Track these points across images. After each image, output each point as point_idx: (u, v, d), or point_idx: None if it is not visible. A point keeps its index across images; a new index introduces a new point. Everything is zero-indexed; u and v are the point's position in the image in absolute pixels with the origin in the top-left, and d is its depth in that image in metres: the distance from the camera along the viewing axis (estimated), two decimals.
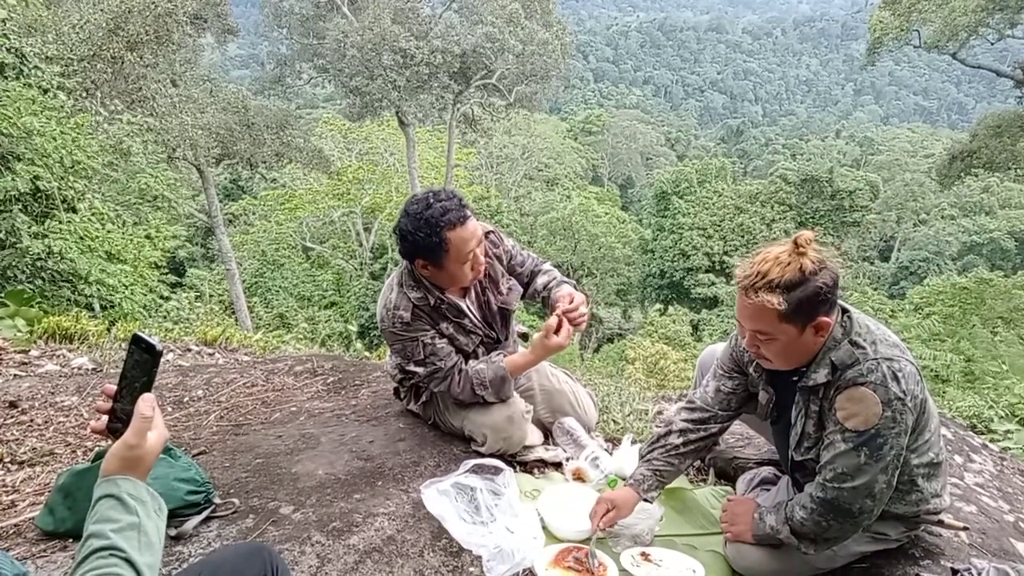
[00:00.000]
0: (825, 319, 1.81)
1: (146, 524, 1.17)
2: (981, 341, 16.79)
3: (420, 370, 2.54)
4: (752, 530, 2.06)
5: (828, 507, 1.86)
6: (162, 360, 1.31)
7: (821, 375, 1.87)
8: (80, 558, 1.11)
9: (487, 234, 2.60)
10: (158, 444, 1.26)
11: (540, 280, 2.74)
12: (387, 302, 2.48)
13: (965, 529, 2.14)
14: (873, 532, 2.02)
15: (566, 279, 2.73)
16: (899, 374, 1.77)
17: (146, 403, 1.25)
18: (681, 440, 2.23)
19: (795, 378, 1.97)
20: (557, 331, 2.45)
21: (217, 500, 2.18)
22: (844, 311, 1.90)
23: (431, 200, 2.32)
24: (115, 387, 1.29)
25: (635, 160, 56.01)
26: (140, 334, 1.29)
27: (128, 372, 1.28)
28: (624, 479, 2.62)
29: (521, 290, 2.73)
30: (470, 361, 2.58)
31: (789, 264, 1.77)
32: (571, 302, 2.52)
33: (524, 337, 2.94)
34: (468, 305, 2.59)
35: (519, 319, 2.87)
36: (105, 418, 1.29)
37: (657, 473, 2.22)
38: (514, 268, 2.74)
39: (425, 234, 2.29)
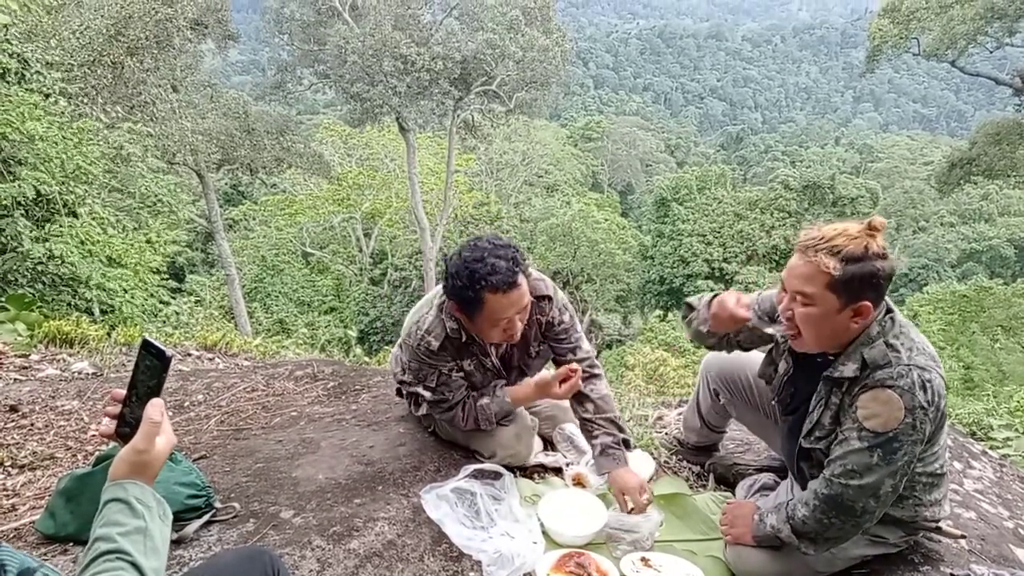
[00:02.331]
0: (867, 304, 1.81)
1: (152, 529, 1.18)
2: (981, 348, 16.80)
3: (428, 395, 2.52)
4: (752, 531, 2.06)
5: (831, 504, 1.85)
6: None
7: (849, 369, 1.86)
8: (87, 561, 1.12)
9: (542, 297, 2.47)
10: (166, 449, 1.27)
11: (598, 441, 2.48)
12: (421, 321, 2.41)
13: (963, 537, 2.14)
14: (872, 535, 2.02)
15: (621, 446, 2.48)
16: (928, 384, 1.77)
17: (155, 408, 1.26)
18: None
19: (819, 359, 1.97)
20: (562, 382, 2.41)
21: (218, 504, 2.18)
22: (888, 311, 1.89)
23: (487, 254, 2.18)
24: (124, 392, 1.30)
25: (635, 167, 56.05)
26: (150, 339, 1.30)
27: (138, 377, 1.29)
28: None
29: (548, 358, 2.64)
30: (474, 393, 2.55)
31: (857, 239, 1.78)
32: (634, 489, 2.33)
33: None
34: (491, 350, 2.54)
35: None
36: (112, 422, 1.30)
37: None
38: (557, 335, 2.57)
39: (465, 284, 2.18)
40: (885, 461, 1.78)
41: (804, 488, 2.04)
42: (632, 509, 2.29)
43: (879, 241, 1.79)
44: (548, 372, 2.58)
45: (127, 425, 1.28)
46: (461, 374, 2.50)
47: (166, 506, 1.25)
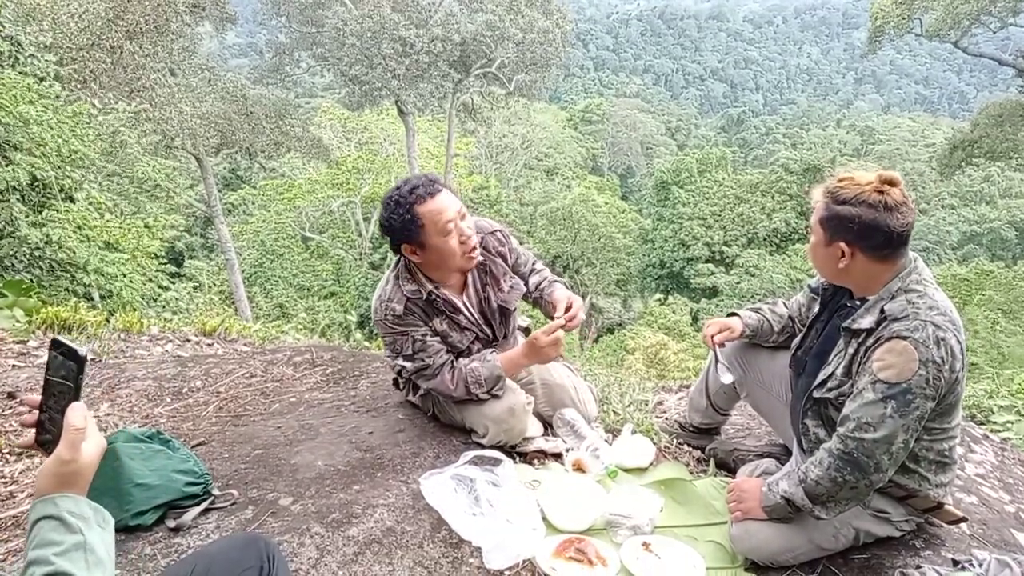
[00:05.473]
0: (845, 247, 1.90)
1: (92, 541, 1.09)
2: (981, 331, 16.76)
3: (408, 365, 2.53)
4: (762, 502, 2.05)
5: (845, 460, 1.85)
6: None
7: (867, 321, 1.89)
8: None
9: (493, 232, 2.63)
10: (95, 455, 1.17)
11: (532, 280, 2.74)
12: (381, 294, 2.49)
13: (964, 520, 2.13)
14: (876, 509, 2.03)
15: (557, 278, 2.75)
16: (942, 342, 1.78)
17: (77, 413, 1.16)
18: (782, 308, 2.47)
19: (844, 312, 2.03)
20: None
21: (216, 491, 2.17)
22: (913, 272, 1.92)
23: (401, 184, 2.36)
24: (39, 398, 1.19)
25: (635, 149, 55.81)
26: (60, 338, 1.18)
27: (53, 381, 1.18)
28: (625, 470, 2.61)
29: (523, 289, 2.72)
30: (462, 359, 2.55)
31: (857, 185, 1.89)
32: (569, 307, 2.54)
33: (526, 332, 2.92)
34: (465, 302, 2.57)
35: (522, 312, 2.86)
36: (31, 432, 1.20)
37: (759, 311, 2.47)
38: (518, 267, 2.74)
39: (398, 215, 2.31)
40: (899, 413, 1.78)
41: (806, 454, 2.06)
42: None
43: (892, 195, 1.85)
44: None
45: (47, 432, 1.18)
46: (436, 338, 2.52)
47: (106, 513, 1.16)
